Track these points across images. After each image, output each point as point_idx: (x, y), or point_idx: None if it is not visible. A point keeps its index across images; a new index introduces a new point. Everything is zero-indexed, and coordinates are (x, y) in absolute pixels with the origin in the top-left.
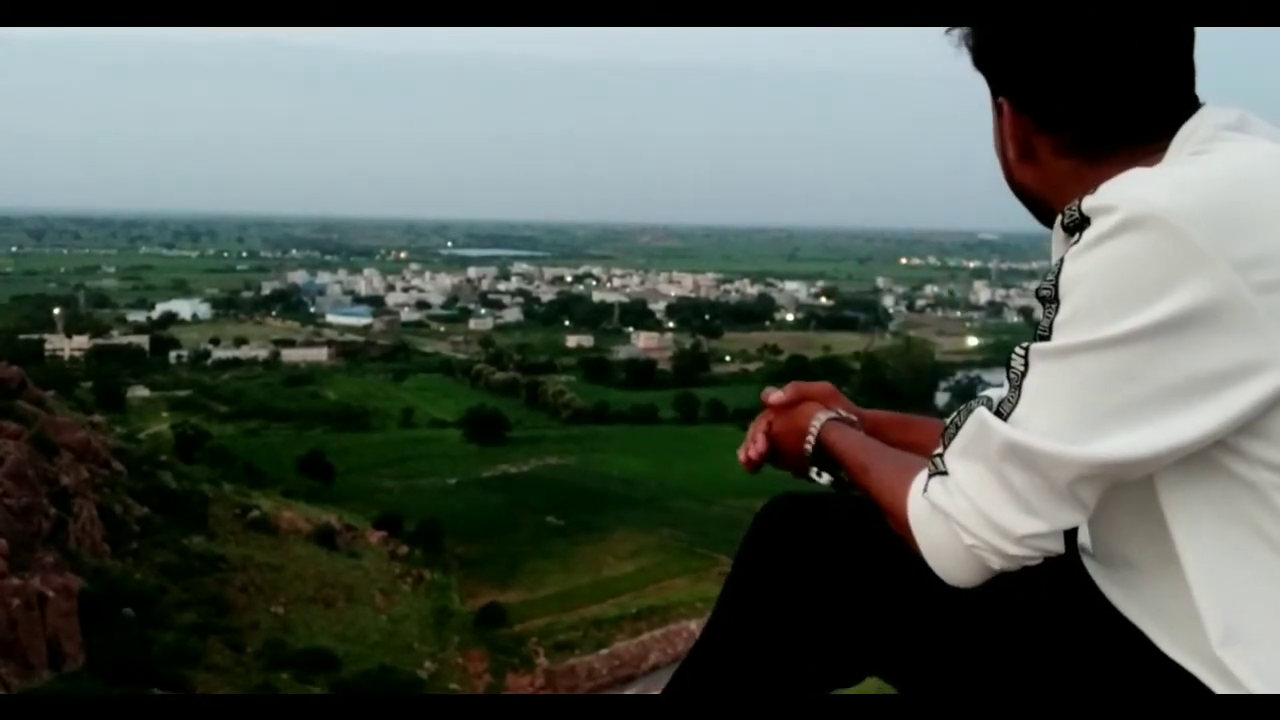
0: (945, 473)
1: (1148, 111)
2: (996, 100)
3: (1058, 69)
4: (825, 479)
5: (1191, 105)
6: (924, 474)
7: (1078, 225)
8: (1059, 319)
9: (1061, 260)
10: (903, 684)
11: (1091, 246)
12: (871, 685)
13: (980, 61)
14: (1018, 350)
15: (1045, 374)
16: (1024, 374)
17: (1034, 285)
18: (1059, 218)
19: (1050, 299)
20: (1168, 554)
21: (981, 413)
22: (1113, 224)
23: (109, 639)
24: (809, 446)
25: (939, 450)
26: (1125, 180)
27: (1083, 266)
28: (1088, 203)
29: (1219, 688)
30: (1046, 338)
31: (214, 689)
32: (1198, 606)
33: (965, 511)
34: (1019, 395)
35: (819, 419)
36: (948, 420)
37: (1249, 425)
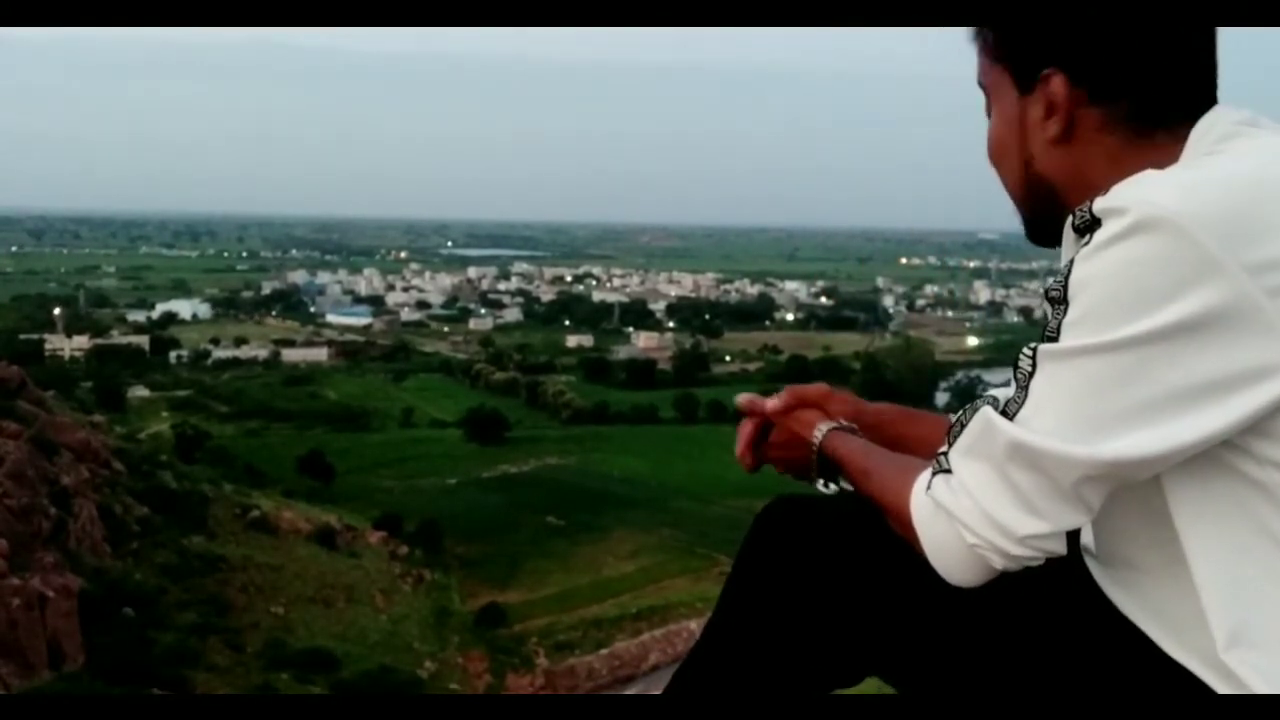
0: (949, 471)
1: (1191, 84)
2: (1033, 77)
3: (1121, 30)
4: (832, 489)
5: (1213, 96)
6: (927, 473)
7: (1088, 226)
8: (1068, 320)
9: (1071, 261)
10: (902, 684)
11: (1102, 248)
12: (872, 685)
13: (1023, 36)
14: (1025, 350)
15: (1053, 375)
16: (1031, 374)
17: (1034, 285)
18: (1069, 219)
19: (1059, 300)
20: (1173, 555)
21: (987, 412)
22: (1124, 226)
23: (109, 639)
24: (813, 457)
25: (943, 448)
26: (1137, 182)
27: (1093, 268)
28: (1099, 204)
29: (1222, 689)
30: (1055, 339)
31: (214, 689)
32: (1204, 608)
33: (968, 510)
34: (1026, 395)
35: (820, 430)
36: (953, 418)
37: (1258, 426)
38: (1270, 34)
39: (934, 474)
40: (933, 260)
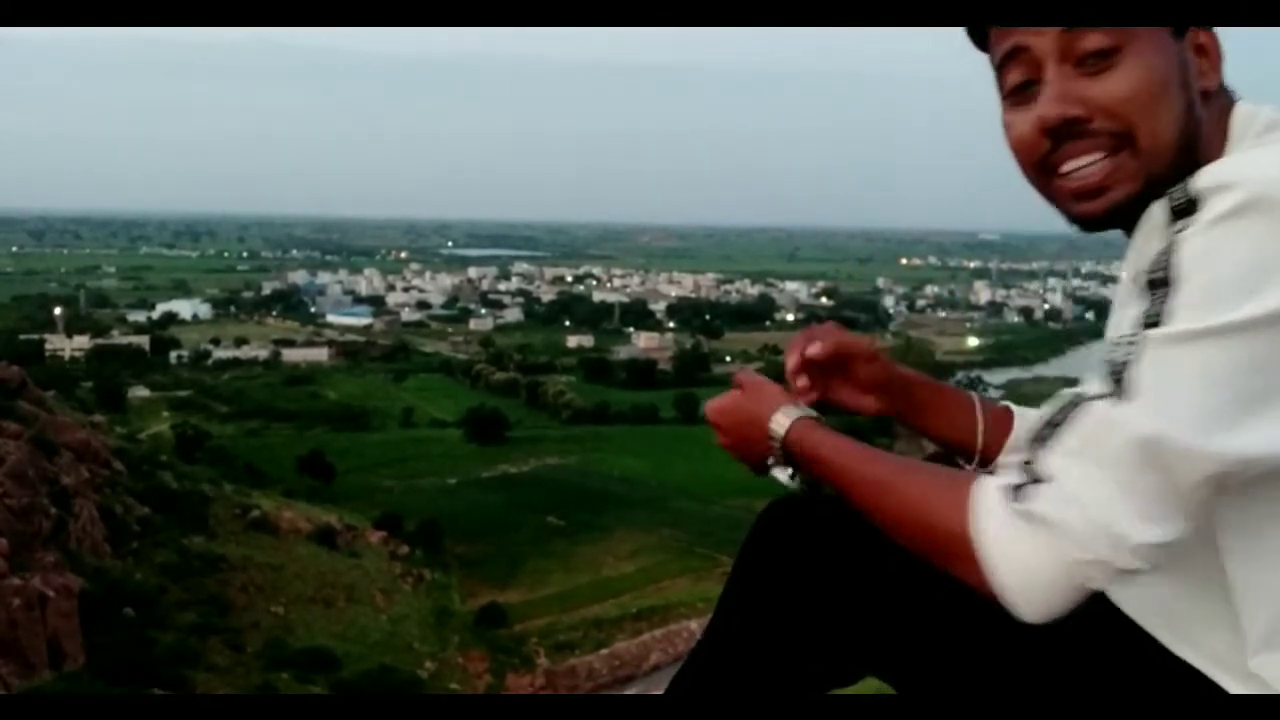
0: (1043, 479)
1: None
2: (1183, 29)
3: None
4: (796, 483)
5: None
6: (993, 484)
7: (1187, 208)
8: (1180, 302)
9: (1169, 245)
10: (901, 685)
11: (1211, 227)
12: (871, 685)
13: None
14: (1118, 339)
15: (1167, 362)
16: (1133, 364)
17: (1035, 285)
18: (1164, 200)
19: (1161, 282)
20: (1195, 560)
21: (1100, 407)
22: (1234, 204)
23: (109, 639)
24: (774, 445)
25: (1024, 456)
26: (1236, 162)
27: (1206, 246)
28: (1200, 183)
29: (1240, 690)
30: (1159, 324)
31: (214, 689)
32: (1238, 613)
33: (1076, 521)
34: (1135, 387)
35: (782, 419)
36: (1039, 419)
37: None
38: (1270, 34)
39: (1017, 486)
40: (933, 260)
